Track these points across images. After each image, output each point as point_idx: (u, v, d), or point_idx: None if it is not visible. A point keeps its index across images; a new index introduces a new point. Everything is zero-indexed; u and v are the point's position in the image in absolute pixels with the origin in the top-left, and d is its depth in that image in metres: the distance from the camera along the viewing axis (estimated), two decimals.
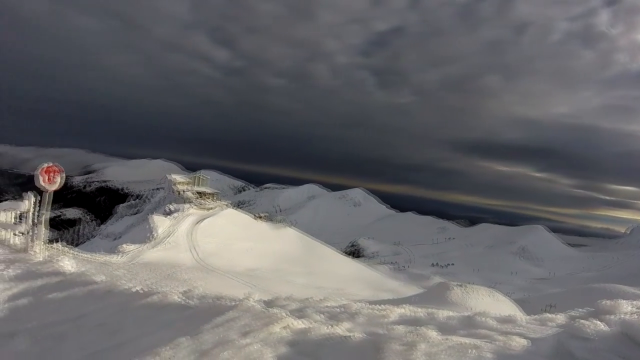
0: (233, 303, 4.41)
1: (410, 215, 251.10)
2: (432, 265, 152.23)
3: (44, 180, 9.00)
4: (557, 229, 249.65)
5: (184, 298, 4.99)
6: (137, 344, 3.53)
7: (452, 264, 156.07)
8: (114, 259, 38.34)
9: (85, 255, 29.81)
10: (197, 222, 62.62)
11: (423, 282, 72.91)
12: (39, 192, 9.63)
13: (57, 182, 9.16)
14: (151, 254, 46.56)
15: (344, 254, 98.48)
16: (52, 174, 9.07)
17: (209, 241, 56.79)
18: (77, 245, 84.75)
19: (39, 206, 9.95)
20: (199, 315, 4.06)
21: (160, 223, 58.53)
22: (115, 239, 76.59)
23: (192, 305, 4.48)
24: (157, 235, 54.12)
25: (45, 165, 9.17)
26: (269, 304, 6.19)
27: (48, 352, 3.57)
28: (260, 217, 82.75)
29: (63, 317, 4.23)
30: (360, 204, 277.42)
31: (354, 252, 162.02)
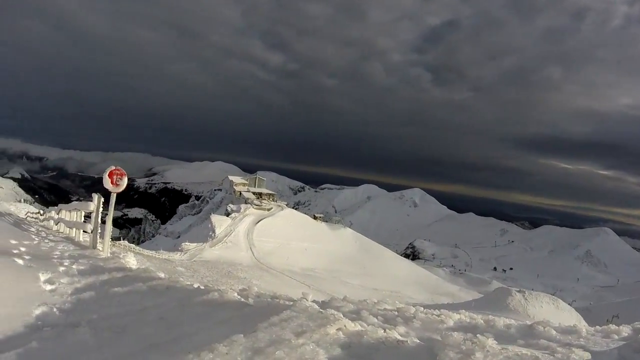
0: (289, 303, 4.44)
1: (469, 216, 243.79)
2: (492, 269, 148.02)
3: (109, 183, 9.41)
4: (625, 232, 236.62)
5: (241, 296, 5.07)
6: (194, 338, 3.60)
7: (512, 269, 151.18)
8: (175, 256, 39.47)
9: (148, 253, 30.81)
10: (256, 222, 63.59)
11: (482, 287, 70.81)
12: (106, 193, 10.07)
13: (122, 185, 9.56)
14: (210, 252, 47.62)
15: (401, 255, 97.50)
16: (117, 177, 9.49)
17: (266, 241, 57.54)
18: (140, 243, 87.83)
19: (105, 206, 10.40)
20: (256, 313, 4.10)
21: (220, 223, 59.81)
22: (176, 237, 78.82)
23: (249, 304, 4.53)
24: (216, 235, 55.34)
25: (111, 169, 9.59)
26: (324, 305, 6.19)
27: (108, 342, 3.69)
28: (317, 218, 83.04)
29: (125, 310, 4.37)
30: (418, 205, 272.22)
31: (411, 254, 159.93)
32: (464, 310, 7.26)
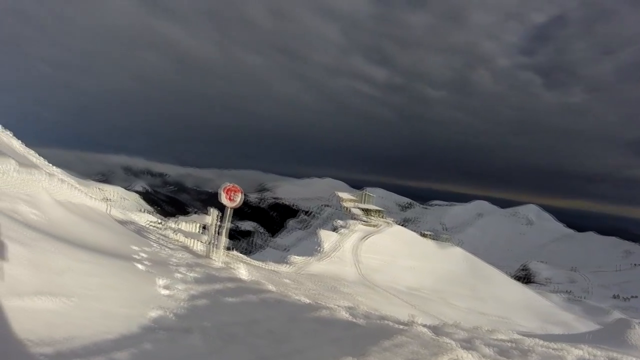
0: (401, 327, 4.23)
1: (589, 235, 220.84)
2: (613, 297, 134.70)
3: (225, 198, 9.80)
4: None
5: (351, 316, 4.92)
6: (304, 355, 3.52)
7: (637, 297, 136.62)
8: (282, 268, 40.28)
9: (257, 263, 31.65)
10: (363, 238, 63.47)
11: (600, 316, 64.44)
12: (221, 207, 10.51)
13: (237, 201, 9.92)
14: (317, 266, 48.11)
15: (513, 278, 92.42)
16: (232, 193, 9.86)
17: (372, 257, 57.16)
18: (249, 254, 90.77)
19: (221, 219, 10.83)
20: (366, 335, 3.94)
21: (327, 238, 60.39)
22: (284, 250, 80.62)
23: (360, 324, 4.37)
24: (323, 249, 55.89)
25: (227, 185, 9.97)
26: (435, 330, 5.88)
27: (218, 350, 3.70)
28: (425, 235, 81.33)
29: (236, 320, 4.37)
30: (533, 223, 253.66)
31: (524, 277, 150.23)
32: (584, 345, 6.59)
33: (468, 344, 5.22)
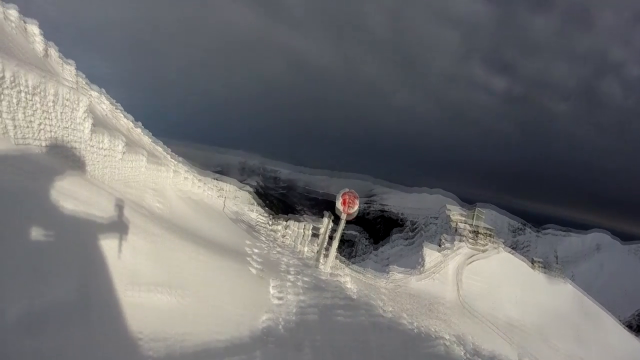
0: None
1: None
2: None
3: (342, 205, 9.62)
4: None
5: (467, 354, 4.52)
6: None
7: None
8: (381, 282, 39.83)
9: (357, 273, 31.47)
10: (468, 260, 61.15)
11: None
12: (334, 211, 10.36)
13: (353, 209, 9.71)
14: (416, 283, 47.08)
15: (625, 324, 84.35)
16: (349, 201, 9.66)
17: (475, 282, 54.82)
18: (350, 260, 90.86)
19: (332, 226, 10.71)
20: None
21: (431, 255, 58.93)
22: (385, 262, 79.78)
23: None
24: (425, 266, 54.58)
25: (345, 191, 9.80)
26: None
27: None
28: (535, 263, 76.80)
29: (348, 340, 4.15)
30: None
31: (636, 326, 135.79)
32: None
33: None
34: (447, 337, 5.04)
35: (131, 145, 6.95)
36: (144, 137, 15.66)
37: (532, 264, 73.92)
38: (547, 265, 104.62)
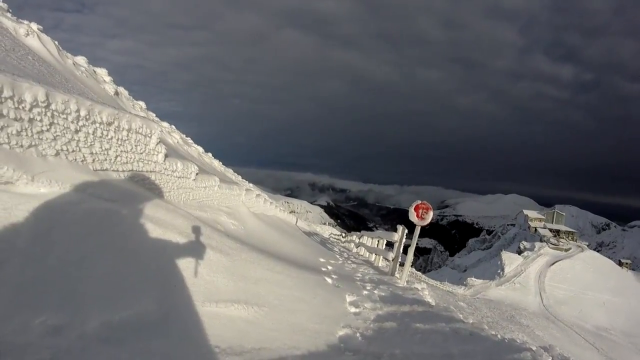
0: None
1: None
2: None
3: (415, 216, 9.59)
4: None
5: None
6: None
7: None
8: (459, 290, 38.91)
9: (433, 283, 30.91)
10: (550, 264, 58.55)
11: None
12: (407, 224, 10.34)
13: (427, 219, 9.66)
14: (495, 291, 45.58)
15: None
16: (422, 211, 9.63)
17: (559, 287, 52.24)
18: (426, 271, 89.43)
19: (407, 237, 10.67)
20: None
21: (510, 261, 57.00)
22: (462, 271, 77.93)
23: None
24: (505, 273, 52.87)
25: (418, 202, 9.78)
26: None
27: None
28: (623, 264, 72.41)
29: (428, 351, 4.04)
30: None
31: None
32: None
33: None
34: (533, 346, 4.83)
35: (203, 170, 7.23)
36: (215, 162, 16.23)
37: (620, 265, 69.75)
38: (637, 264, 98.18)
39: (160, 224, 4.11)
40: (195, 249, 4.32)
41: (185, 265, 3.87)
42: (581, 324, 43.52)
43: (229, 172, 17.22)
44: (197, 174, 6.44)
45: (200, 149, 15.34)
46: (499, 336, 5.30)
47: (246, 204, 9.21)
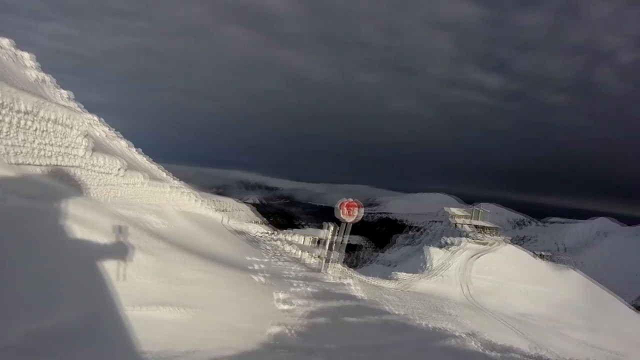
0: None
1: None
2: None
3: (343, 213, 9.70)
4: None
5: (481, 347, 4.50)
6: None
7: None
8: (387, 284, 39.67)
9: (362, 278, 31.36)
10: (473, 257, 60.95)
11: None
12: (337, 221, 10.46)
13: (356, 216, 9.79)
14: (422, 284, 46.83)
15: (636, 308, 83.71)
16: (351, 208, 9.75)
17: (482, 278, 54.56)
18: (356, 267, 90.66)
19: (337, 234, 10.79)
20: None
21: (436, 255, 58.72)
22: (390, 265, 79.61)
23: (494, 358, 3.94)
24: (430, 267, 54.43)
25: (347, 200, 9.89)
26: None
27: None
28: (541, 257, 76.51)
29: (360, 344, 4.12)
30: None
31: None
32: None
33: None
34: (460, 333, 5.03)
35: (129, 166, 6.96)
36: (142, 158, 15.70)
37: (538, 257, 73.67)
38: (553, 256, 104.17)
39: (84, 223, 3.94)
40: (122, 251, 4.16)
41: (111, 267, 3.71)
42: (504, 311, 45.56)
43: (157, 169, 16.71)
44: (123, 170, 6.20)
45: (128, 144, 14.79)
46: (427, 325, 5.50)
47: (174, 202, 8.98)
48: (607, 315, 53.63)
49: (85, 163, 5.26)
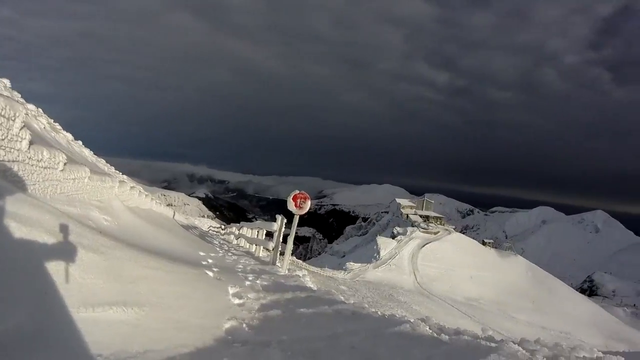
0: (492, 345, 3.87)
1: None
2: None
3: (294, 205, 9.73)
4: None
5: (433, 331, 4.60)
6: None
7: None
8: (339, 275, 40.23)
9: (314, 269, 31.63)
10: (421, 246, 62.40)
11: None
12: (286, 213, 10.49)
13: (305, 208, 9.85)
14: (373, 273, 47.81)
15: (577, 290, 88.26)
16: (300, 200, 9.79)
17: (431, 266, 56.16)
18: (306, 259, 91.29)
19: (287, 226, 10.81)
20: (456, 353, 3.61)
21: (385, 245, 59.86)
22: (341, 256, 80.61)
23: (446, 341, 4.02)
24: (380, 256, 55.45)
25: (296, 192, 9.93)
26: (521, 346, 5.48)
27: None
28: (486, 244, 79.22)
29: (315, 334, 4.13)
30: (600, 230, 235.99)
31: (588, 290, 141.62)
32: None
33: None
34: (411, 318, 5.13)
35: (72, 159, 6.66)
36: (85, 151, 15.17)
37: (483, 244, 76.23)
38: (498, 243, 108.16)
39: (25, 222, 3.72)
40: (66, 250, 3.96)
41: (55, 268, 3.53)
42: (453, 296, 47.24)
43: (101, 163, 16.18)
44: (65, 164, 5.94)
45: (70, 136, 14.20)
46: (379, 313, 5.59)
47: (120, 197, 8.71)
48: (552, 297, 56.60)
49: (26, 157, 4.97)
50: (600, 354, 5.88)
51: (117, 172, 18.23)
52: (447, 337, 4.33)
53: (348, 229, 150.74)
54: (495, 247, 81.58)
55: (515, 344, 4.56)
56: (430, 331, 4.51)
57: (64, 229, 4.31)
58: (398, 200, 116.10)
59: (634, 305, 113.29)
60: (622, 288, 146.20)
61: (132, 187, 10.21)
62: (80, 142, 15.54)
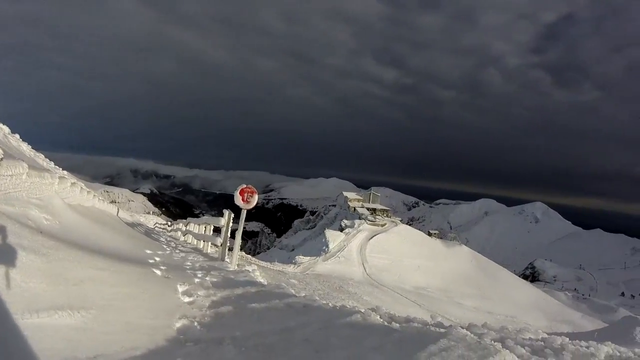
0: (442, 330, 3.96)
1: (596, 233, 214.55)
2: (620, 294, 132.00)
3: (241, 200, 9.66)
4: None
5: (385, 320, 4.68)
6: None
7: None
8: (289, 268, 40.25)
9: (263, 264, 31.55)
10: (369, 238, 63.27)
11: (607, 314, 62.30)
12: (233, 208, 10.40)
13: (252, 202, 9.80)
14: (323, 266, 48.06)
15: (520, 276, 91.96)
16: (247, 195, 9.73)
17: (379, 257, 57.04)
18: (256, 254, 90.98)
19: (234, 221, 10.72)
20: (408, 340, 3.67)
21: (334, 238, 60.30)
22: (290, 250, 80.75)
23: (396, 329, 4.09)
24: (329, 249, 55.82)
25: (243, 186, 9.86)
26: (468, 330, 5.66)
27: None
28: (431, 235, 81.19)
29: (267, 329, 4.12)
30: (539, 220, 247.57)
31: (530, 276, 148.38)
32: (610, 343, 6.37)
33: (501, 344, 4.96)
34: (362, 308, 5.20)
35: (8, 154, 6.34)
36: (23, 145, 14.53)
37: (429, 235, 78.09)
38: (443, 234, 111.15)
39: None
40: (5, 252, 3.77)
41: None
42: (402, 286, 48.19)
43: (40, 158, 15.51)
44: (1, 159, 5.65)
45: (6, 130, 13.54)
46: (330, 305, 5.64)
47: (60, 194, 8.38)
48: (496, 284, 58.85)
49: None
50: (545, 335, 6.14)
51: (57, 167, 17.54)
52: (397, 325, 4.42)
53: (296, 222, 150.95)
54: (441, 238, 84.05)
55: (463, 328, 4.70)
56: (381, 320, 4.60)
57: (1, 229, 4.10)
58: (345, 193, 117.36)
59: (575, 289, 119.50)
60: (563, 274, 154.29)
61: (73, 184, 9.81)
62: (17, 136, 14.84)
